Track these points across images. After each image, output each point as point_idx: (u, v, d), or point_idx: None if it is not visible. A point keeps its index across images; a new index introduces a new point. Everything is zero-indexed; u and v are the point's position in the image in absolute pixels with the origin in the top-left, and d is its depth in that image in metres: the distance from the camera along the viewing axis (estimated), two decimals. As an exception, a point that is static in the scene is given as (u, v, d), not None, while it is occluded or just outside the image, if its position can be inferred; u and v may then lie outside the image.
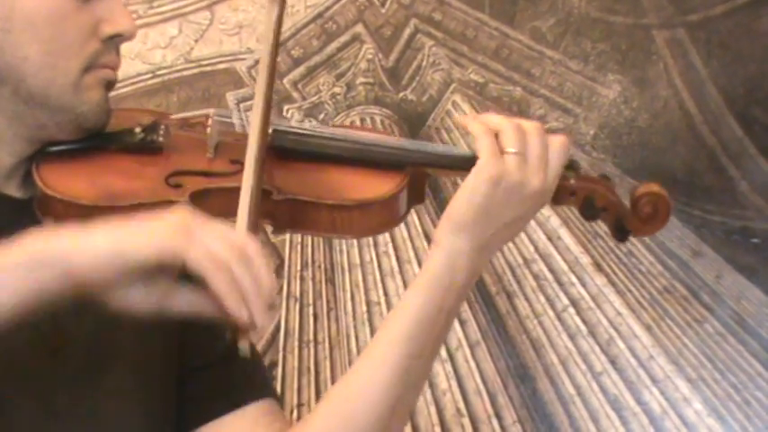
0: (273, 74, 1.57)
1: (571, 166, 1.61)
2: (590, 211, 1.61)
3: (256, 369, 1.67)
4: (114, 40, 1.55)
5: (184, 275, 1.37)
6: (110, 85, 1.56)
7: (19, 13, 1.50)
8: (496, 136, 1.56)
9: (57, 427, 1.47)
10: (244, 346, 1.40)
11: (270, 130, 1.57)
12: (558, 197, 1.60)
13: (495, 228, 1.56)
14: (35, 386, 1.47)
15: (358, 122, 3.02)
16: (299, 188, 1.55)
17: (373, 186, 1.57)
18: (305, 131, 1.63)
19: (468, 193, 1.55)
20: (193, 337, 1.61)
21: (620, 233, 1.63)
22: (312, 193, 1.54)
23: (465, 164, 1.58)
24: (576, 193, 1.60)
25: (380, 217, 1.58)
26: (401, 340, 1.55)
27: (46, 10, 1.50)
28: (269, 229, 1.58)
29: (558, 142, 1.58)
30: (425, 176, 1.62)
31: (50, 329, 1.48)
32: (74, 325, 1.50)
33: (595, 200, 1.60)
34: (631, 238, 1.67)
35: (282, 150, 1.59)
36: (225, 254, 1.35)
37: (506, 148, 1.55)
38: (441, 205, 2.91)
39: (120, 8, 1.55)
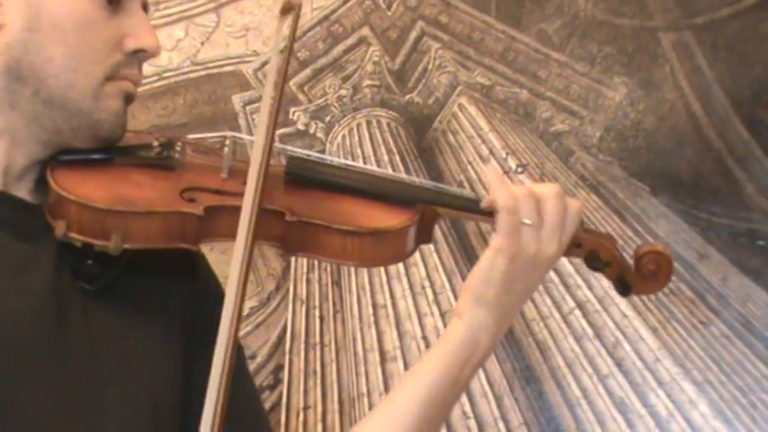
0: (280, 101, 1.58)
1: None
2: (594, 263, 1.64)
3: (257, 407, 1.69)
4: (138, 56, 1.56)
5: None
6: (129, 98, 1.56)
7: (47, 15, 1.51)
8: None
9: (63, 421, 1.47)
10: None
11: (284, 158, 1.59)
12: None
13: (516, 298, 1.60)
14: (42, 381, 1.47)
15: (364, 125, 3.02)
16: (312, 212, 1.56)
17: (386, 218, 1.59)
18: (320, 160, 1.65)
19: (486, 271, 1.57)
20: (201, 369, 1.60)
21: (622, 288, 1.65)
22: (326, 218, 1.56)
23: (476, 207, 1.61)
24: (582, 245, 1.63)
25: (391, 248, 1.59)
26: (417, 403, 1.58)
27: (74, 15, 1.52)
28: (278, 252, 1.59)
29: (574, 208, 1.60)
30: (435, 216, 1.64)
31: (58, 326, 1.48)
32: (81, 324, 1.50)
33: (600, 253, 1.63)
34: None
35: (298, 178, 1.61)
36: None
37: (522, 219, 1.57)
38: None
39: (146, 25, 1.56)
